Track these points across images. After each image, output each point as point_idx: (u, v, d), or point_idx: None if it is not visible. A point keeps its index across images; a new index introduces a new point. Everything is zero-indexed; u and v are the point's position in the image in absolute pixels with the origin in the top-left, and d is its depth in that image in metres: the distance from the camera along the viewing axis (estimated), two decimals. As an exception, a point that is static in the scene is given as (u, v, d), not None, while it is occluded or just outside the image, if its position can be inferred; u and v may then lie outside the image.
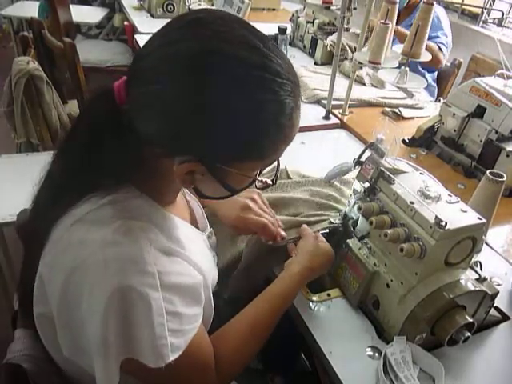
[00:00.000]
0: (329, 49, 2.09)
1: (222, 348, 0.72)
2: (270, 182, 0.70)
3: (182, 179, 0.61)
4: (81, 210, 0.61)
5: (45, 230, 0.64)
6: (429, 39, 2.26)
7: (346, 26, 1.51)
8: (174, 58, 0.54)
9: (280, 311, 0.80)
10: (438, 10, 2.35)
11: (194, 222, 0.84)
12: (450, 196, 0.81)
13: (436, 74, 2.56)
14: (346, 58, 2.05)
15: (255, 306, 0.79)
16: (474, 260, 0.84)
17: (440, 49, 2.30)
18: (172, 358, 0.59)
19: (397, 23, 2.53)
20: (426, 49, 2.14)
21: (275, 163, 0.69)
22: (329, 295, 0.91)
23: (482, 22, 3.18)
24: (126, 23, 2.96)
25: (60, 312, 0.61)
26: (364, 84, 1.96)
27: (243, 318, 0.78)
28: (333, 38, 2.06)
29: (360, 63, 1.57)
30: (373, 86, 1.97)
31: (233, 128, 0.56)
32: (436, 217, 0.73)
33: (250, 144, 0.58)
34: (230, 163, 0.59)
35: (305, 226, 0.96)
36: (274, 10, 3.22)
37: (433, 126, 1.47)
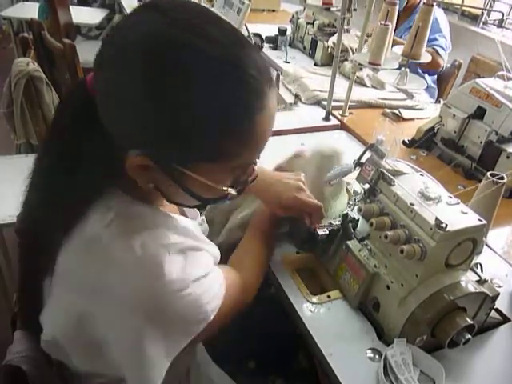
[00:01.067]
0: (329, 50, 2.09)
1: (243, 272, 0.81)
2: (234, 192, 0.62)
3: (133, 174, 0.57)
4: (91, 227, 0.59)
5: (50, 241, 0.62)
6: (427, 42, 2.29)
7: (346, 27, 1.51)
8: (130, 45, 0.52)
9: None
10: (436, 12, 2.35)
11: (183, 213, 0.83)
12: (451, 197, 0.81)
13: (436, 75, 2.57)
14: (346, 59, 2.05)
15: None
16: (474, 262, 0.84)
17: (438, 52, 2.30)
18: (214, 314, 0.65)
19: (396, 25, 2.54)
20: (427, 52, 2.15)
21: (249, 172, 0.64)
22: (329, 297, 0.90)
23: (482, 23, 3.18)
24: (126, 24, 2.95)
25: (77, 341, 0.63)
26: (365, 85, 1.96)
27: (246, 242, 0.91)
28: (333, 39, 2.06)
29: (360, 64, 1.57)
30: (373, 87, 1.97)
31: (183, 123, 0.52)
32: (436, 218, 0.73)
33: (204, 144, 0.54)
34: (182, 164, 0.55)
35: None
36: (273, 11, 3.22)
37: (433, 127, 1.47)
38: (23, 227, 0.70)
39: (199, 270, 0.64)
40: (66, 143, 0.60)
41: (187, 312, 0.61)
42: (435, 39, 2.32)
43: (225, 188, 0.60)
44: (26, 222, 0.68)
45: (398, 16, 2.53)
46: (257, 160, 0.64)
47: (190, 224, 0.75)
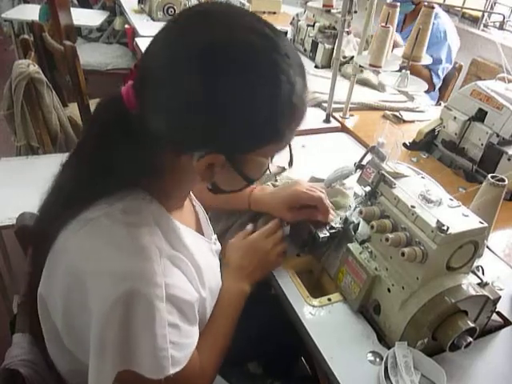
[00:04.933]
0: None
1: (202, 356, 0.72)
2: (285, 166, 0.70)
3: (203, 174, 0.61)
4: (89, 214, 0.61)
5: (53, 235, 0.64)
6: (429, 56, 2.31)
7: (346, 30, 1.51)
8: (185, 52, 0.54)
9: (234, 316, 0.84)
10: (446, 24, 2.36)
11: (199, 228, 0.84)
12: (452, 200, 0.81)
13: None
14: (347, 62, 2.04)
15: (216, 314, 0.81)
16: (475, 264, 0.84)
17: (431, 78, 2.35)
18: (172, 371, 0.59)
19: (402, 28, 2.55)
20: (420, 75, 2.20)
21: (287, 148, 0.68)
22: (329, 300, 0.90)
23: (482, 26, 3.18)
24: (126, 26, 2.96)
25: (65, 318, 0.62)
26: (375, 88, 1.96)
27: (210, 325, 0.79)
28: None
29: (361, 66, 1.57)
30: (376, 89, 1.97)
31: (249, 114, 0.56)
32: (437, 221, 0.73)
33: (267, 128, 0.58)
34: (248, 150, 0.60)
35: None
36: (274, 13, 3.22)
37: (434, 129, 1.47)
38: (38, 228, 0.70)
39: (180, 296, 0.62)
40: (98, 154, 0.61)
41: (150, 325, 0.57)
42: (439, 61, 2.33)
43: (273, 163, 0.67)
44: (42, 222, 0.69)
45: (405, 18, 2.55)
46: None
47: (200, 245, 0.76)
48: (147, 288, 0.57)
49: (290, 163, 0.73)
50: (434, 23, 2.29)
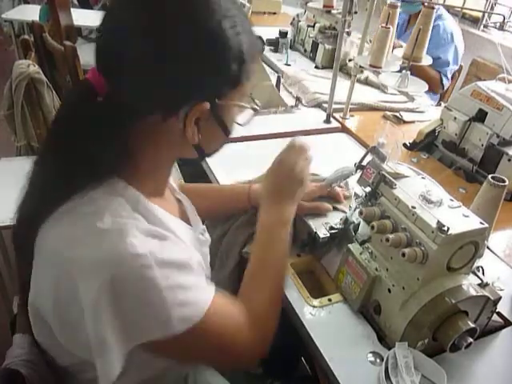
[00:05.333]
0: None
1: (248, 305, 0.71)
2: (257, 106, 0.72)
3: (192, 133, 0.62)
4: (65, 206, 0.60)
5: (33, 234, 0.63)
6: (436, 59, 2.31)
7: (346, 30, 1.51)
8: (135, 8, 0.57)
9: (280, 249, 0.81)
10: (452, 25, 2.36)
11: (184, 218, 0.81)
12: (452, 200, 0.81)
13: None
14: (350, 60, 2.04)
15: (257, 252, 0.80)
16: (476, 265, 0.84)
17: (441, 80, 2.36)
18: (183, 327, 0.59)
19: (406, 28, 2.56)
20: (429, 77, 2.20)
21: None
22: (330, 300, 0.90)
23: (482, 26, 3.18)
24: (126, 26, 2.95)
25: (56, 315, 0.61)
26: (379, 88, 1.96)
27: (253, 267, 0.78)
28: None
29: (361, 67, 1.57)
30: (379, 89, 1.97)
31: (219, 55, 0.59)
32: (438, 221, 0.73)
33: (236, 66, 0.61)
34: (226, 94, 0.63)
35: None
36: (274, 13, 3.22)
37: (434, 130, 1.47)
38: (18, 230, 0.69)
39: (172, 257, 0.61)
40: (72, 143, 0.60)
41: (145, 299, 0.57)
42: (447, 63, 2.35)
43: (253, 105, 0.70)
44: (21, 224, 0.68)
45: (410, 19, 2.55)
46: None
47: (183, 231, 0.73)
48: (130, 263, 0.56)
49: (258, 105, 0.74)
50: (439, 25, 2.31)
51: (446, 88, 2.45)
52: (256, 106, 0.71)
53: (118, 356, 0.57)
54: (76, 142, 0.60)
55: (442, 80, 2.38)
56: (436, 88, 2.38)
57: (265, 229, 0.83)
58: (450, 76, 2.41)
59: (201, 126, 0.62)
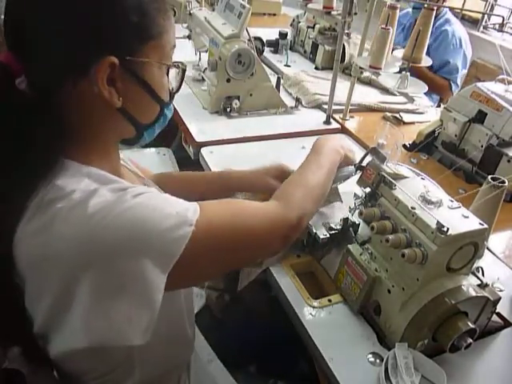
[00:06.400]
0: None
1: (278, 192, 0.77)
2: (182, 65, 0.69)
3: (109, 93, 0.59)
4: (30, 202, 0.57)
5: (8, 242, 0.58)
6: (445, 64, 2.32)
7: (346, 31, 1.52)
8: None
9: (329, 167, 0.88)
10: (459, 30, 2.37)
11: None
12: (452, 201, 0.81)
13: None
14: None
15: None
16: (475, 266, 0.84)
17: (451, 86, 2.36)
18: (195, 216, 0.60)
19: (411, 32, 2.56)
20: (439, 84, 2.18)
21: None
22: (330, 301, 0.90)
23: (482, 27, 3.19)
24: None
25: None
26: (381, 88, 1.96)
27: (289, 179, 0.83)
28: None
29: (361, 68, 1.57)
30: (383, 89, 1.97)
31: (111, 4, 0.57)
32: (438, 222, 0.73)
33: (141, 20, 0.59)
34: (135, 49, 0.60)
35: None
36: (274, 14, 3.22)
37: (433, 130, 1.47)
38: None
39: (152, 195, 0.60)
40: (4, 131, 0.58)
41: (144, 216, 0.56)
42: (456, 70, 2.34)
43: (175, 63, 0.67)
44: None
45: (416, 20, 2.56)
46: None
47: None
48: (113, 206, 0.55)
49: (178, 89, 0.72)
50: (448, 30, 2.31)
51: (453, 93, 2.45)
52: (180, 65, 0.68)
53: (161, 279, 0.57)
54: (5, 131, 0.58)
55: (451, 87, 2.37)
56: (446, 96, 2.37)
57: (319, 149, 0.91)
58: (460, 83, 2.40)
59: (119, 87, 0.60)
